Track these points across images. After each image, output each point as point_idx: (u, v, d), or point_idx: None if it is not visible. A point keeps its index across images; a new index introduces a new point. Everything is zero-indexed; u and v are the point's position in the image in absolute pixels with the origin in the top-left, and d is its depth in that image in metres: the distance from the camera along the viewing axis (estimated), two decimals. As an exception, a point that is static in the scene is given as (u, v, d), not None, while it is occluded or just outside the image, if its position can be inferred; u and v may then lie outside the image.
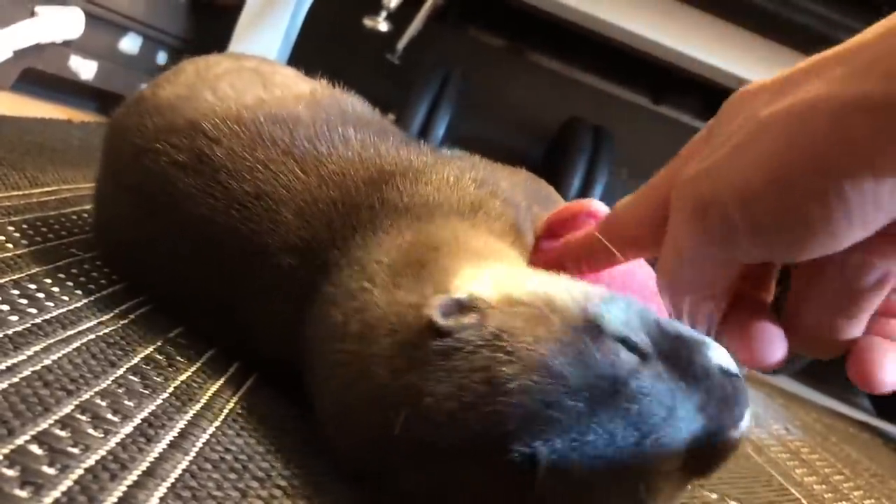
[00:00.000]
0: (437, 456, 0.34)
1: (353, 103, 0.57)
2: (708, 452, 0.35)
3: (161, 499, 0.32)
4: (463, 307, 0.35)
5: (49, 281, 0.50)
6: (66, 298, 0.48)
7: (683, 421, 0.34)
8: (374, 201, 0.45)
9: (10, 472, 0.29)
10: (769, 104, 0.33)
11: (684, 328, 0.37)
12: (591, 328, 0.34)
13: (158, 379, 0.43)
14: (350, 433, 0.37)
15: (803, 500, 0.71)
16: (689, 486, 0.36)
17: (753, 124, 0.33)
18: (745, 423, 0.36)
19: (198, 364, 0.47)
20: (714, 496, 0.61)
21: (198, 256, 0.49)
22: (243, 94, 0.53)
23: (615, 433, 0.32)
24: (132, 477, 0.32)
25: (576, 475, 0.32)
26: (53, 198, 0.70)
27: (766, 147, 0.32)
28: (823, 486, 0.80)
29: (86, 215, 0.67)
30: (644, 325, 0.36)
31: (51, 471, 0.30)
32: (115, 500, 0.30)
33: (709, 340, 0.37)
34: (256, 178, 0.47)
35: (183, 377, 0.44)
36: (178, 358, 0.47)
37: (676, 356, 0.35)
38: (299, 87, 0.56)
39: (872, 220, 0.30)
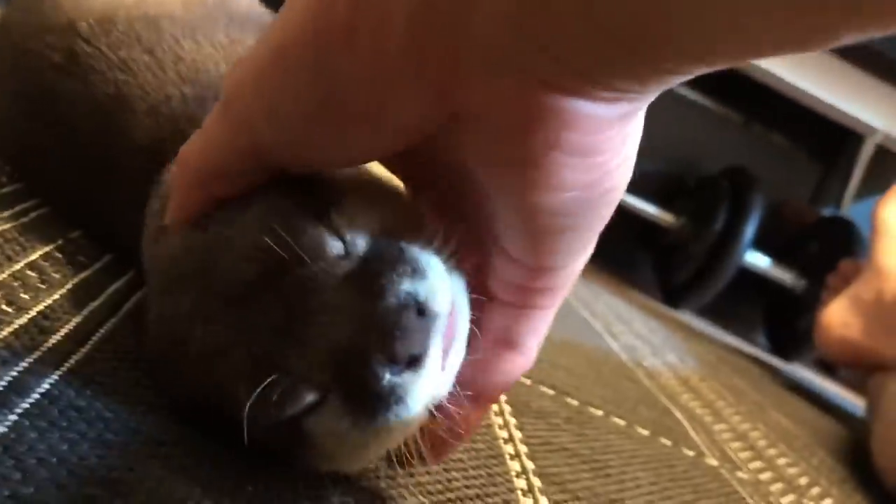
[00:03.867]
0: None
1: (242, 3, 0.55)
2: (353, 380, 0.29)
3: (52, 385, 0.32)
4: None
5: (-55, 175, 0.49)
6: (-37, 193, 0.48)
7: (330, 326, 0.29)
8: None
9: None
10: None
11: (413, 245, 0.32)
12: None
13: (57, 276, 0.43)
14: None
15: (683, 420, 0.76)
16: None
17: None
18: (409, 373, 0.29)
19: (99, 264, 0.47)
20: (600, 413, 0.65)
21: (76, 163, 0.48)
22: None
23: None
24: (24, 364, 0.33)
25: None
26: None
27: (281, 16, 0.28)
28: (706, 410, 0.86)
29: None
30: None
31: (-60, 353, 0.31)
32: (6, 384, 0.31)
33: (423, 262, 0.31)
34: (117, 80, 0.46)
35: (83, 275, 0.45)
36: (79, 257, 0.47)
37: (379, 261, 0.31)
38: None
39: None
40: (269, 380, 0.29)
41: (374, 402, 0.30)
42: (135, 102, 0.45)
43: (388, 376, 0.29)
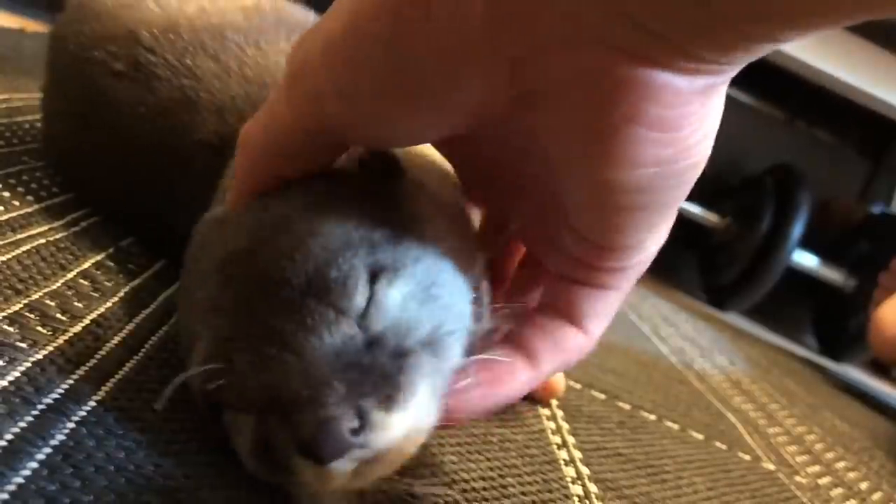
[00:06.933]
0: None
1: (297, 12, 0.55)
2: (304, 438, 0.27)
3: (107, 392, 0.32)
4: None
5: (-1, 186, 0.49)
6: (16, 203, 0.48)
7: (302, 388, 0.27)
8: None
9: (-43, 362, 0.30)
10: None
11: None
12: None
13: (109, 284, 0.43)
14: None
15: (737, 424, 0.74)
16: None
17: None
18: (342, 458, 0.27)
19: (150, 271, 0.47)
20: (653, 417, 0.64)
21: (134, 167, 0.48)
22: (187, 3, 0.52)
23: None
24: (80, 372, 0.33)
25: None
26: (5, 106, 0.69)
27: None
28: (759, 413, 0.84)
29: (38, 124, 0.66)
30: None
31: (-2, 362, 0.31)
32: (62, 391, 0.31)
33: (407, 395, 0.28)
34: (183, 85, 0.47)
35: (135, 283, 0.45)
36: (130, 265, 0.47)
37: (372, 357, 0.28)
38: None
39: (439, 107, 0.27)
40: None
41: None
42: (201, 103, 0.46)
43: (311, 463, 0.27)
